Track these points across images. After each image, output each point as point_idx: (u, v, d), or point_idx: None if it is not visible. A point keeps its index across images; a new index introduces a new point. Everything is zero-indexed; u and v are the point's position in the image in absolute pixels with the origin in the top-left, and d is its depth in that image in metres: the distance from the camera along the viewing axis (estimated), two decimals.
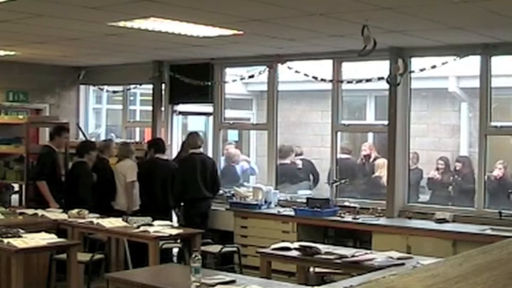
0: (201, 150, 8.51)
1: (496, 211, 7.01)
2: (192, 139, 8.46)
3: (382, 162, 8.51)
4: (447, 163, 8.78)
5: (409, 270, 1.66)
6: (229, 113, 9.64)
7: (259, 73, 8.81)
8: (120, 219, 7.25)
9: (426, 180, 8.86)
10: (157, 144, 8.61)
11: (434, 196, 8.45)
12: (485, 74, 7.14)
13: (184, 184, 8.18)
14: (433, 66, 7.30)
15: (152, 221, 7.10)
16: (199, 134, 8.86)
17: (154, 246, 6.46)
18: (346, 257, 5.55)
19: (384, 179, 8.09)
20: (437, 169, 8.72)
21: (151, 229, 6.73)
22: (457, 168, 8.67)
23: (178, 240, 7.37)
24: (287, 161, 9.18)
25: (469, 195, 7.91)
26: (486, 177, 7.40)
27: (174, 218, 8.42)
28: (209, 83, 9.08)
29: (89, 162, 8.31)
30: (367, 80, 7.79)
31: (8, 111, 9.87)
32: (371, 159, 9.10)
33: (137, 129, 11.15)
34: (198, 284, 4.52)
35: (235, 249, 7.64)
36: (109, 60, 9.65)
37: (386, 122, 7.74)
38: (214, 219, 8.37)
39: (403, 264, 5.31)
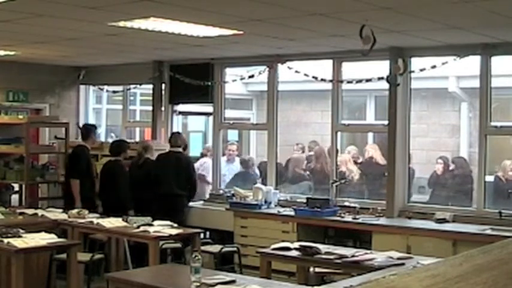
0: (180, 149, 8.64)
1: (496, 211, 7.01)
2: (173, 138, 8.78)
3: (345, 158, 8.93)
4: (446, 162, 8.78)
5: (409, 270, 1.66)
6: (229, 113, 9.64)
7: (259, 73, 8.81)
8: (120, 219, 7.25)
9: (427, 179, 8.87)
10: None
11: (434, 196, 8.45)
12: (485, 74, 7.14)
13: (158, 180, 8.40)
14: (433, 66, 7.30)
15: (152, 220, 7.11)
16: (180, 134, 9.10)
17: (154, 246, 6.46)
18: (346, 257, 5.55)
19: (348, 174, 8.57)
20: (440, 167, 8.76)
21: (151, 229, 6.72)
22: (452, 168, 8.66)
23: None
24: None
25: (467, 196, 7.92)
26: (492, 177, 7.42)
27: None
28: (209, 83, 9.08)
29: (123, 161, 8.50)
30: (367, 80, 7.79)
31: (8, 111, 9.87)
32: (373, 160, 9.09)
33: (137, 129, 11.15)
34: (198, 284, 4.52)
35: (235, 249, 7.65)
36: (109, 60, 9.65)
37: (386, 122, 7.74)
38: (214, 219, 8.37)
39: (403, 264, 5.31)
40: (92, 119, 11.19)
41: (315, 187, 9.07)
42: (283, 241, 6.55)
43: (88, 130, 8.73)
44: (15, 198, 9.40)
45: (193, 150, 10.42)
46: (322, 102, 10.47)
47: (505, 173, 8.24)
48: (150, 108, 9.95)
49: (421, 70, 7.49)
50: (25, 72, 9.99)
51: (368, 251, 5.89)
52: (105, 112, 11.36)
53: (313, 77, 8.23)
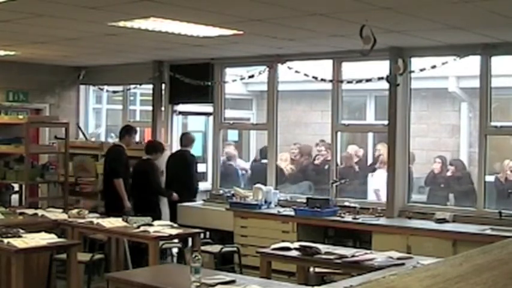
0: (187, 148, 9.04)
1: (496, 211, 7.01)
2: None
3: (285, 156, 9.48)
4: (444, 162, 8.78)
5: (409, 270, 1.66)
6: (229, 113, 9.64)
7: (259, 73, 8.81)
8: (120, 219, 7.26)
9: (424, 178, 8.87)
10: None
11: (432, 195, 8.45)
12: (485, 74, 7.14)
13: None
14: (433, 66, 7.30)
15: (152, 220, 7.12)
16: (188, 134, 9.38)
17: (154, 246, 6.46)
18: (346, 257, 5.55)
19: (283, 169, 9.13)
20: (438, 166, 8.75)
21: (151, 229, 6.73)
22: (451, 170, 8.64)
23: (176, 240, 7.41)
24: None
25: (468, 198, 7.91)
26: (494, 178, 7.41)
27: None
28: (209, 83, 9.08)
29: (154, 160, 8.69)
30: (367, 80, 7.79)
31: (8, 111, 9.87)
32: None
33: (137, 129, 11.13)
34: (198, 284, 4.52)
35: (235, 249, 7.65)
36: (109, 60, 9.65)
37: (386, 122, 7.74)
38: (214, 219, 8.37)
39: (403, 264, 5.31)
40: (92, 119, 11.20)
41: (315, 187, 9.08)
42: (283, 241, 6.56)
43: (124, 131, 8.74)
44: (15, 198, 9.41)
45: (193, 150, 10.40)
46: (322, 102, 10.46)
47: (504, 173, 8.24)
48: (150, 108, 9.95)
49: (421, 70, 7.49)
50: (25, 72, 9.99)
51: (368, 251, 5.89)
52: (105, 112, 11.36)
53: (313, 77, 8.23)
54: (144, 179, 8.42)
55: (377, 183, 8.72)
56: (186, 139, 9.11)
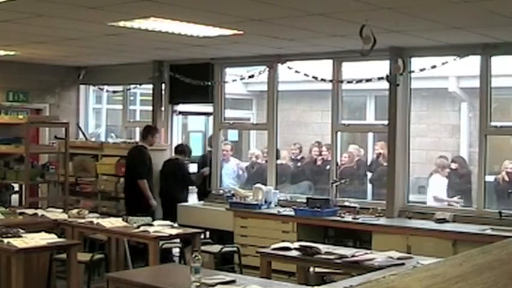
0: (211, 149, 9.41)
1: (496, 211, 7.01)
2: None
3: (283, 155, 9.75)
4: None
5: (409, 270, 1.66)
6: (229, 113, 9.65)
7: (259, 73, 8.81)
8: (120, 219, 7.25)
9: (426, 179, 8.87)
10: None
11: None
12: (485, 74, 7.14)
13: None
14: (433, 66, 7.30)
15: (152, 220, 7.12)
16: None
17: (154, 246, 6.46)
18: (346, 257, 5.55)
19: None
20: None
21: (151, 229, 6.72)
22: (453, 167, 8.65)
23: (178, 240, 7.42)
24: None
25: (467, 195, 7.92)
26: (494, 179, 7.40)
27: None
28: (209, 83, 9.08)
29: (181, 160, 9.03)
30: (367, 80, 7.79)
31: (8, 111, 9.87)
32: (380, 158, 9.12)
33: (137, 129, 11.13)
34: (198, 284, 4.52)
35: (235, 249, 7.65)
36: (109, 60, 9.65)
37: (386, 122, 7.74)
38: (214, 219, 8.37)
39: (403, 264, 5.31)
40: (92, 119, 11.20)
41: (315, 187, 9.08)
42: (283, 241, 6.56)
43: (146, 131, 8.77)
44: (15, 198, 9.41)
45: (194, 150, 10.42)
46: (322, 102, 10.48)
47: (503, 173, 8.24)
48: (150, 108, 9.95)
49: (421, 70, 7.49)
50: (25, 72, 9.99)
51: (368, 251, 5.89)
52: (105, 112, 11.36)
53: (313, 77, 8.23)
54: (174, 175, 8.71)
55: (436, 189, 8.38)
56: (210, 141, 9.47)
